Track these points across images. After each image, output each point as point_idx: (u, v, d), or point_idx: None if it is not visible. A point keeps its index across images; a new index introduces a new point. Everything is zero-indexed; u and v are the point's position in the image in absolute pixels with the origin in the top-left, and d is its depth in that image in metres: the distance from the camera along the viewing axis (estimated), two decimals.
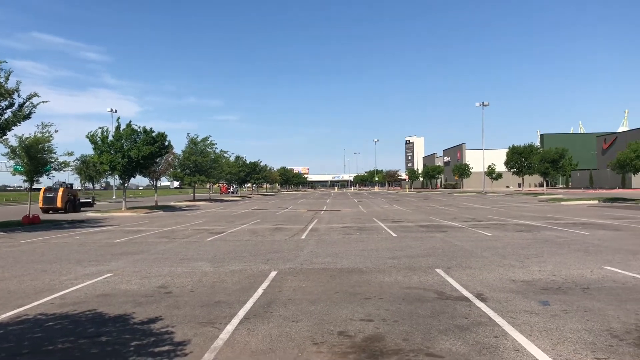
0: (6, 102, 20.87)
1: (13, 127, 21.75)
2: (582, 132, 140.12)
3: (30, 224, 23.95)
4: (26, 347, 5.53)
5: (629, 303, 7.01)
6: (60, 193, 36.21)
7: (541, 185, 79.54)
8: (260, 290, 8.31)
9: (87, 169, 61.40)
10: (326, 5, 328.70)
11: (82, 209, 40.26)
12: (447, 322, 6.22)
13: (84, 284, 9.20)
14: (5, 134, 22.07)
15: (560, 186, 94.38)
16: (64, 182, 40.08)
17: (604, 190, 62.70)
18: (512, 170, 66.36)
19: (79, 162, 61.51)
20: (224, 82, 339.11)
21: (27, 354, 5.32)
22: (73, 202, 37.73)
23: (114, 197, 72.74)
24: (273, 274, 9.86)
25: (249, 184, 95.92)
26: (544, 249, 12.79)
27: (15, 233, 20.27)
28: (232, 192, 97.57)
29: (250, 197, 73.53)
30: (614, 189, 66.32)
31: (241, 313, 6.84)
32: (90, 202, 45.02)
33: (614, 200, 36.28)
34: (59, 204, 35.80)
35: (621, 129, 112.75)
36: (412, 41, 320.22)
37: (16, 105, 21.60)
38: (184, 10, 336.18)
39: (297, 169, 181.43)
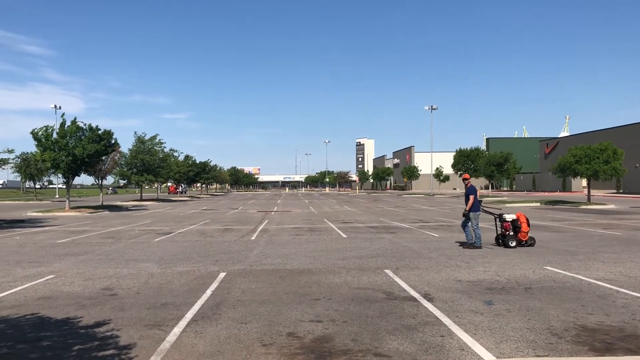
0: None
1: None
2: (526, 136, 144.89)
3: None
4: None
5: (568, 302, 7.31)
6: None
7: (487, 187, 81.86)
8: (208, 292, 8.20)
9: (28, 167, 59.12)
10: (284, 10, 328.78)
11: None
12: (395, 322, 6.32)
13: (23, 286, 8.85)
14: None
15: (505, 189, 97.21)
16: None
17: (546, 193, 65.10)
18: (459, 172, 67.96)
19: (19, 160, 59.15)
20: (172, 80, 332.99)
21: None
22: None
23: (57, 196, 70.21)
24: (222, 275, 9.76)
25: (199, 184, 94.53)
26: (488, 250, 13.16)
27: None
28: (181, 192, 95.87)
29: (199, 198, 72.49)
30: (555, 192, 68.95)
31: (189, 315, 6.74)
32: None
33: (555, 203, 37.68)
34: None
35: (562, 134, 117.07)
36: (364, 43, 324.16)
37: None
38: (130, 4, 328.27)
39: (247, 169, 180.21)
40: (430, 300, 7.52)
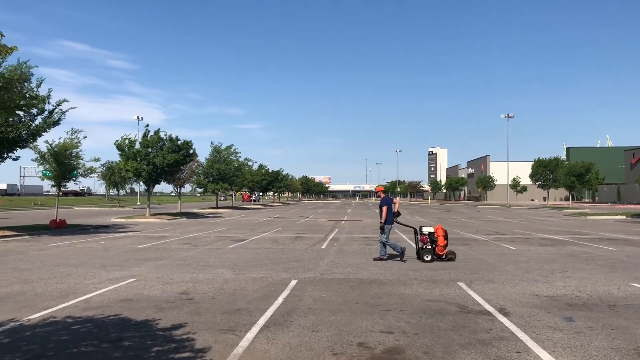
0: (37, 109, 21.36)
1: (43, 134, 22.26)
2: (609, 145, 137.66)
3: (57, 228, 24.36)
4: (51, 350, 5.63)
5: None
6: None
7: (567, 199, 78.13)
8: (280, 299, 8.32)
9: (113, 175, 62.47)
10: (353, 19, 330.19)
11: None
12: (469, 336, 6.16)
13: (107, 288, 9.34)
14: (35, 140, 22.57)
15: (587, 200, 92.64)
16: None
17: (632, 206, 61.36)
18: (537, 183, 65.49)
19: (104, 169, 62.61)
20: (245, 92, 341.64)
21: (52, 356, 5.41)
22: None
23: (139, 203, 73.65)
24: (293, 282, 9.88)
25: (271, 193, 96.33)
26: (569, 264, 12.58)
27: (42, 237, 20.66)
28: (254, 200, 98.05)
29: (271, 206, 73.82)
30: None
31: (261, 321, 6.86)
32: None
33: None
34: None
35: None
36: (438, 52, 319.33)
37: (46, 112, 22.13)
38: (207, 20, 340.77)
39: (318, 178, 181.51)
40: (505, 314, 7.27)
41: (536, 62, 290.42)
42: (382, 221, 13.18)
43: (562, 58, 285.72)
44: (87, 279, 10.31)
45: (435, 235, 12.91)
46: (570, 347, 5.73)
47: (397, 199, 14.26)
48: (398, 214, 13.45)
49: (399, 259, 13.14)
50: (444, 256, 12.94)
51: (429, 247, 12.90)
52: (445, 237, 12.91)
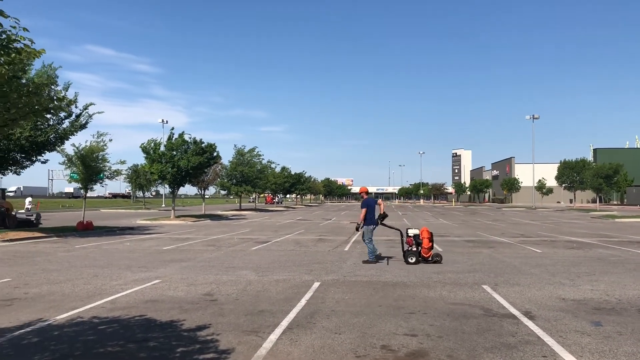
0: (65, 113, 21.81)
1: (70, 137, 22.73)
2: (638, 146, 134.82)
3: (84, 229, 24.78)
4: (78, 349, 5.73)
5: None
6: None
7: (594, 201, 76.80)
8: (303, 301, 8.34)
9: (138, 177, 63.39)
10: (374, 20, 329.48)
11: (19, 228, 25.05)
12: (494, 340, 6.09)
13: (133, 289, 9.46)
14: (63, 144, 23.05)
15: (615, 203, 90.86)
16: None
17: None
18: (563, 185, 64.50)
19: (130, 171, 63.56)
20: (268, 95, 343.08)
21: (79, 356, 5.51)
22: (2, 216, 25.59)
23: (163, 205, 74.58)
24: (316, 284, 9.89)
25: (294, 195, 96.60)
26: (597, 267, 12.35)
27: (70, 238, 21.04)
28: (277, 203, 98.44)
29: (294, 208, 74.01)
30: None
31: (284, 323, 6.88)
32: (32, 220, 27.69)
33: None
34: None
35: None
36: (460, 52, 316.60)
37: (73, 116, 22.60)
38: (229, 23, 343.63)
39: (340, 180, 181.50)
40: (531, 318, 7.17)
41: (562, 60, 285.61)
42: (359, 222, 13.28)
43: (589, 56, 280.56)
44: (113, 280, 10.47)
45: (420, 238, 12.90)
46: (599, 352, 5.62)
47: (381, 201, 14.23)
48: (384, 215, 13.46)
49: (372, 260, 13.06)
50: (429, 258, 12.92)
51: (414, 249, 12.90)
52: (431, 240, 12.91)
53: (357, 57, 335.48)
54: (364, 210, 13.13)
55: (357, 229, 13.48)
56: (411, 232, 13.13)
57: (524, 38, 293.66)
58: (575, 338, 6.18)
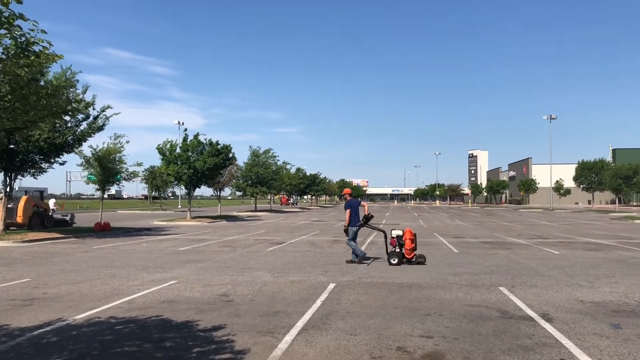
0: (82, 115, 22.08)
1: (88, 139, 23.01)
2: None
3: (102, 230, 25.03)
4: (96, 349, 5.79)
5: None
6: (21, 204, 25.14)
7: (613, 202, 75.82)
8: (318, 302, 8.33)
9: (155, 179, 63.91)
10: (391, 22, 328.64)
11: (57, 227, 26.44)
12: (510, 342, 6.03)
13: (150, 289, 9.54)
14: (80, 145, 23.32)
15: (634, 204, 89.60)
16: (30, 190, 30.29)
17: None
18: (581, 186, 63.76)
19: (147, 173, 64.09)
20: (284, 95, 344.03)
21: (97, 355, 5.57)
22: (41, 217, 26.39)
23: (180, 206, 75.06)
24: (331, 286, 9.88)
25: (309, 196, 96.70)
26: (616, 269, 12.19)
27: (87, 239, 21.27)
28: (292, 204, 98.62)
29: (309, 209, 74.08)
30: None
31: (299, 324, 6.89)
32: (67, 220, 28.74)
33: None
34: (19, 219, 25.00)
35: None
36: (478, 51, 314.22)
37: (91, 118, 22.87)
38: (246, 26, 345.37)
39: (356, 181, 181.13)
40: (549, 320, 7.09)
41: (580, 59, 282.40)
42: (346, 224, 13.38)
43: (607, 55, 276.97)
44: (130, 281, 10.56)
45: (403, 239, 12.90)
46: (618, 355, 5.54)
47: (365, 202, 14.30)
48: (370, 217, 13.48)
49: (355, 260, 13.21)
50: (413, 259, 12.91)
51: (397, 250, 12.89)
52: (413, 241, 12.92)
53: (373, 57, 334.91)
54: (348, 211, 13.38)
55: (345, 231, 13.57)
56: (394, 233, 13.18)
57: (543, 36, 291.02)
58: (594, 341, 6.10)
